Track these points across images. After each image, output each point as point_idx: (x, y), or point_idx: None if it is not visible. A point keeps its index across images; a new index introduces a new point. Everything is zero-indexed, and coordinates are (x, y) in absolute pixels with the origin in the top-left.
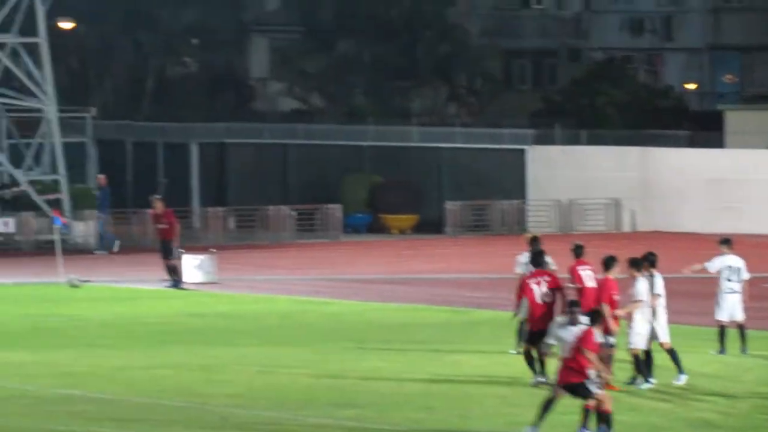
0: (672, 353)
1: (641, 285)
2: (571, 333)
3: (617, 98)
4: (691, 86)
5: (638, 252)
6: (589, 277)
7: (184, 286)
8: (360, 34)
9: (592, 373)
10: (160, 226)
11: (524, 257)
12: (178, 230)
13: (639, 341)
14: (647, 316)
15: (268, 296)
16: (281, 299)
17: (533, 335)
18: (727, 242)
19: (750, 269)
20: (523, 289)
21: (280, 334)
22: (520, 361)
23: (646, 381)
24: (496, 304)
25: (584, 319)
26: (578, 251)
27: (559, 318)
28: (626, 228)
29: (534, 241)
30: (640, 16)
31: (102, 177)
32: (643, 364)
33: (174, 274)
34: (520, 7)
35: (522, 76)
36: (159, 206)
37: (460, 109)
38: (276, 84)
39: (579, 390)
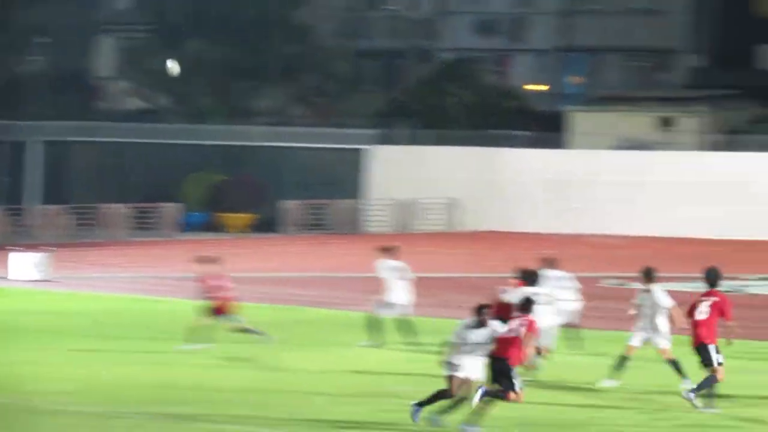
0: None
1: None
2: (480, 335)
3: (464, 99)
4: (539, 87)
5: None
6: None
7: None
8: (209, 34)
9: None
10: None
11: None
12: None
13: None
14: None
15: (101, 294)
16: (114, 297)
17: None
18: (549, 262)
19: (586, 269)
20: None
21: (113, 331)
22: (350, 360)
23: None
24: (327, 303)
25: (494, 323)
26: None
27: (467, 320)
28: (465, 227)
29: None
30: (489, 17)
31: None
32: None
33: None
34: (371, 8)
35: (372, 77)
36: None
37: (308, 109)
38: (123, 83)
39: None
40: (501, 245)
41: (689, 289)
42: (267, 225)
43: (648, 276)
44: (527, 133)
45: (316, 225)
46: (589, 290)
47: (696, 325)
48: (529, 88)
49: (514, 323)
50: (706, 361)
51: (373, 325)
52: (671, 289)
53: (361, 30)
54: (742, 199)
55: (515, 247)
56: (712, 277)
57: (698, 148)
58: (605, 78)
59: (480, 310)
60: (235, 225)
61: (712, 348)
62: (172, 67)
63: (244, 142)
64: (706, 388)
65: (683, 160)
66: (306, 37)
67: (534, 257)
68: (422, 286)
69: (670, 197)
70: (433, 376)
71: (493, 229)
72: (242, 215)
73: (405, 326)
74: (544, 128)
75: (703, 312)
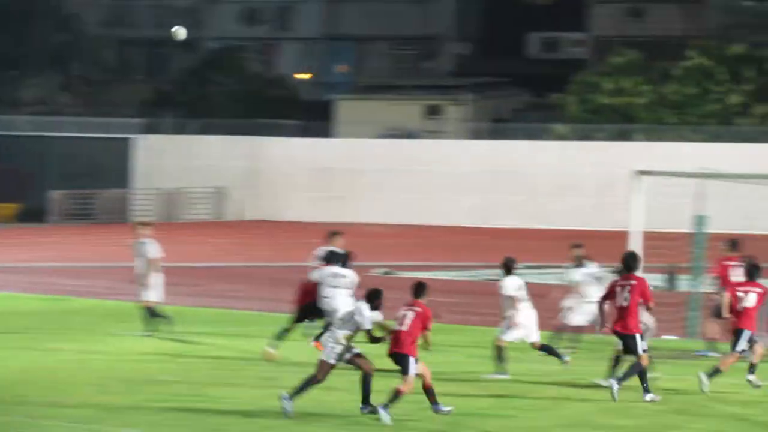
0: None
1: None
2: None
3: (229, 88)
4: (306, 76)
5: (239, 240)
6: None
7: None
8: None
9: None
10: None
11: None
12: None
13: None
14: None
15: None
16: None
17: None
18: (335, 234)
19: (354, 259)
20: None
21: None
22: (116, 349)
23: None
24: (94, 292)
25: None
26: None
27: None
28: (232, 217)
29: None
30: (255, 6)
31: None
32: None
33: None
34: None
35: (137, 66)
36: None
37: (74, 98)
38: None
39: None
40: (267, 234)
41: (453, 278)
42: (34, 215)
43: (505, 267)
44: (294, 121)
45: (83, 215)
46: (359, 279)
47: (618, 312)
48: (296, 76)
49: (401, 311)
50: (631, 349)
51: (148, 314)
52: (436, 277)
53: (126, 18)
54: (507, 187)
55: (281, 236)
56: (629, 262)
57: (464, 137)
58: (372, 66)
59: (371, 295)
60: None
61: (637, 336)
62: (176, 31)
63: (9, 131)
64: (631, 377)
65: (449, 149)
66: (71, 26)
67: (300, 245)
68: (187, 275)
69: (435, 186)
70: (198, 357)
71: (260, 218)
72: (7, 205)
73: (158, 313)
74: (310, 117)
75: (624, 299)
